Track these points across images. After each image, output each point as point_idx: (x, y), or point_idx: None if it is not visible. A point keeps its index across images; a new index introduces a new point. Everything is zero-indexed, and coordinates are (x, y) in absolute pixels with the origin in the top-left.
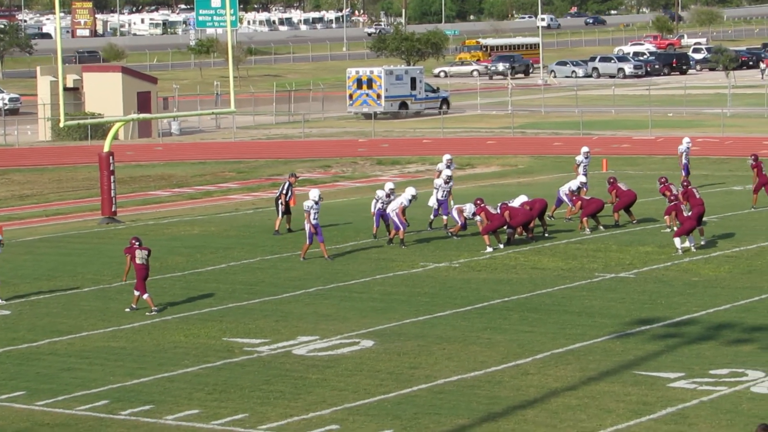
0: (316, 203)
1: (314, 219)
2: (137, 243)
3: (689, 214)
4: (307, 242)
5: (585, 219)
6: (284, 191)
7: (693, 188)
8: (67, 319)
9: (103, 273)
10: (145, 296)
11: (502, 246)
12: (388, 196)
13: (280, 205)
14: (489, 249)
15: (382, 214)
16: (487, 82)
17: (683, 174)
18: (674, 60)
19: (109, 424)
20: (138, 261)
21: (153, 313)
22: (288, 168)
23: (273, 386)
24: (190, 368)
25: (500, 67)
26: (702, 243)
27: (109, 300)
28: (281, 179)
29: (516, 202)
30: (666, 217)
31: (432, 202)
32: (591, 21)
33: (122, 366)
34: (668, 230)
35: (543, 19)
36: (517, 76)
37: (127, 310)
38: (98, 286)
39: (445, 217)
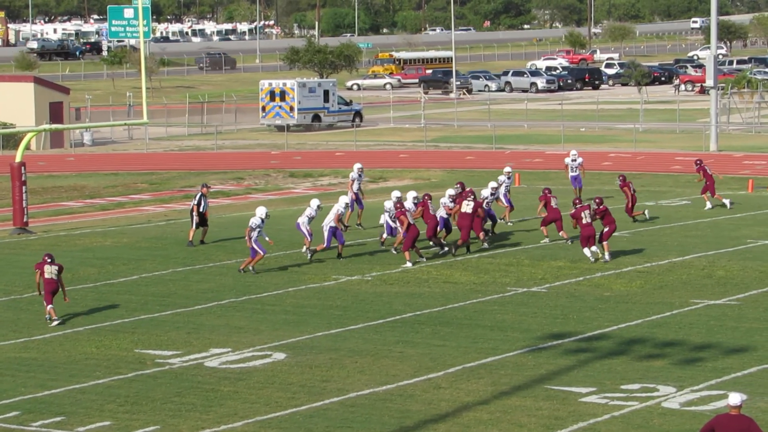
0: (262, 221)
1: (255, 239)
2: (49, 260)
3: (588, 221)
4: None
5: (482, 234)
6: (197, 202)
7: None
8: None
9: (14, 284)
10: (49, 307)
11: (425, 260)
12: (315, 212)
13: (194, 216)
14: (408, 265)
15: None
16: (399, 95)
17: (575, 188)
18: (587, 75)
19: None
20: (47, 275)
21: (55, 324)
22: (200, 180)
23: (185, 398)
24: (101, 380)
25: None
26: (606, 258)
27: (21, 311)
28: (194, 191)
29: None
30: (573, 220)
31: (383, 220)
32: None
33: (33, 377)
34: (568, 243)
35: (696, 22)
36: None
37: (53, 324)
38: (9, 297)
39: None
